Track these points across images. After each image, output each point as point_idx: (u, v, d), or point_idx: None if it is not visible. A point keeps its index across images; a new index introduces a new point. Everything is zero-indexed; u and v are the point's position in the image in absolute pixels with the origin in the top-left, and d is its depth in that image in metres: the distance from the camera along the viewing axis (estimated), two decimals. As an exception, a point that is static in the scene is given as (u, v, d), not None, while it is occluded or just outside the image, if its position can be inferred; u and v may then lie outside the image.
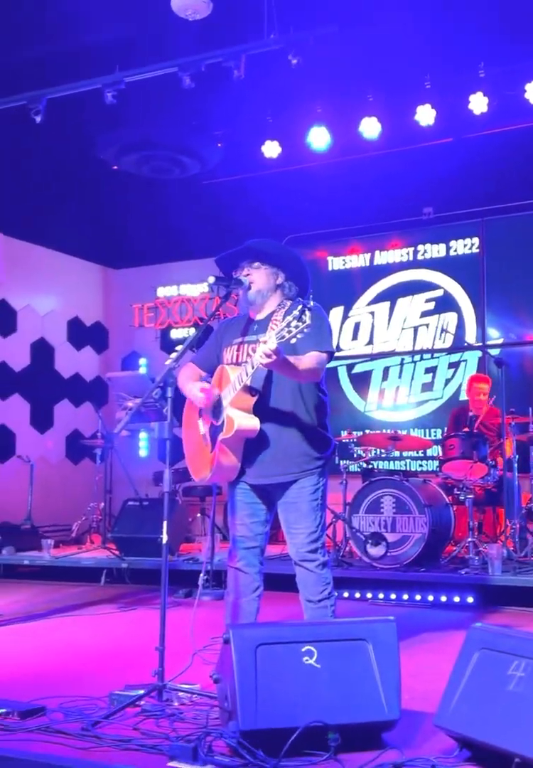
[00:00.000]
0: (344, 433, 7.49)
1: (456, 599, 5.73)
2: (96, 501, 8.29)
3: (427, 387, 8.58)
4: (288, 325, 3.08)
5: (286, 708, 2.61)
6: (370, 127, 7.55)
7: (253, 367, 3.32)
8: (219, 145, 7.95)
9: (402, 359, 8.73)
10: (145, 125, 7.45)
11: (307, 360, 3.43)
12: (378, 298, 8.86)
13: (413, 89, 7.22)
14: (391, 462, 7.98)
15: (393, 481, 6.30)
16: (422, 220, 8.64)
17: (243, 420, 3.44)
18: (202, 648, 3.94)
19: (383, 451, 7.14)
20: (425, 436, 8.27)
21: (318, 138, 7.74)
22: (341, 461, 7.36)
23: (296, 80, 6.38)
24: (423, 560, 6.08)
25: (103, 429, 8.13)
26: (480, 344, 8.23)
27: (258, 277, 3.63)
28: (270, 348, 3.12)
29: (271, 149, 7.98)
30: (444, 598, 5.77)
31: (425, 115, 7.35)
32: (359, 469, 7.52)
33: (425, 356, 8.63)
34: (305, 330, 3.08)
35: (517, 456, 6.42)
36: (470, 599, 5.70)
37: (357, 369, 8.86)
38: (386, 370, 8.79)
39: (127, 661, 4.15)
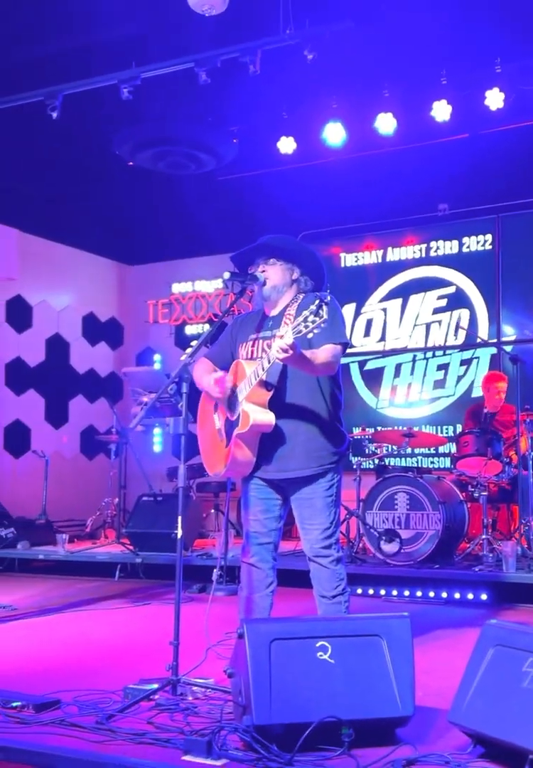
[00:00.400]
0: (357, 430, 7.49)
1: (470, 596, 5.72)
2: (110, 496, 8.32)
3: (439, 384, 8.57)
4: (304, 320, 3.08)
5: (300, 703, 2.61)
6: (386, 123, 7.52)
7: (269, 362, 3.31)
8: (234, 140, 7.94)
9: (415, 356, 8.71)
10: (161, 121, 7.45)
11: (323, 353, 3.43)
12: (391, 295, 8.85)
13: (429, 85, 7.17)
14: (402, 459, 7.95)
15: (407, 478, 6.29)
16: (437, 216, 8.60)
17: (258, 414, 3.44)
18: (215, 643, 3.94)
19: (396, 447, 7.13)
20: (437, 433, 8.25)
21: (334, 134, 7.72)
22: (354, 457, 7.37)
23: (312, 76, 6.37)
24: (436, 557, 6.07)
25: (118, 424, 8.16)
26: (495, 341, 8.19)
27: (273, 273, 3.63)
28: (287, 343, 3.11)
29: (286, 145, 7.97)
30: (457, 595, 5.76)
31: (441, 110, 7.30)
32: (373, 466, 7.50)
33: (437, 353, 8.62)
34: (322, 325, 3.08)
35: (532, 453, 6.39)
36: (484, 596, 5.69)
37: (369, 366, 8.85)
38: (398, 366, 8.78)
39: (140, 655, 4.16)
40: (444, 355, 8.58)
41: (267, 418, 3.47)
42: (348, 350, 3.64)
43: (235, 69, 5.98)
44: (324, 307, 3.06)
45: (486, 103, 7.15)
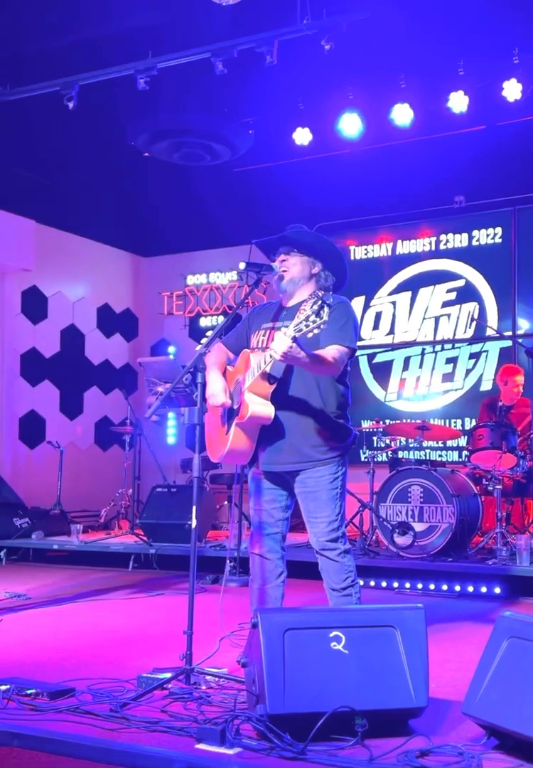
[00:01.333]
0: (370, 423, 7.47)
1: (484, 589, 5.69)
2: (124, 487, 8.34)
3: (448, 377, 8.56)
4: (306, 319, 3.09)
5: (314, 693, 2.61)
6: (402, 114, 7.47)
7: (270, 357, 3.32)
8: (250, 132, 7.93)
9: (423, 349, 8.70)
10: (177, 112, 7.45)
11: (327, 354, 3.43)
12: (400, 288, 8.84)
13: (446, 75, 7.13)
14: (411, 452, 7.92)
15: (421, 471, 6.28)
16: (453, 208, 8.56)
17: (257, 406, 3.45)
18: (229, 633, 3.95)
19: (411, 440, 7.12)
20: (446, 426, 8.23)
21: (350, 125, 7.68)
22: (368, 450, 7.35)
23: (328, 66, 6.35)
24: (450, 550, 6.06)
25: (132, 416, 8.18)
26: (510, 334, 8.15)
27: (292, 265, 3.63)
28: (285, 342, 3.13)
29: (302, 136, 7.94)
30: (471, 589, 5.74)
31: (458, 101, 7.26)
32: (387, 459, 7.49)
33: (446, 346, 8.60)
34: (322, 326, 3.09)
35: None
36: (497, 590, 5.66)
37: (378, 359, 8.84)
38: (407, 359, 8.77)
39: (154, 644, 4.18)
40: (454, 348, 8.57)
41: (267, 411, 3.47)
42: (358, 343, 3.62)
43: (251, 59, 5.98)
44: (326, 309, 3.07)
45: (504, 94, 7.09)
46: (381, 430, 7.27)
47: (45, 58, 6.57)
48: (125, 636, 4.42)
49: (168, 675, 3.18)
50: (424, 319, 8.70)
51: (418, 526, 6.14)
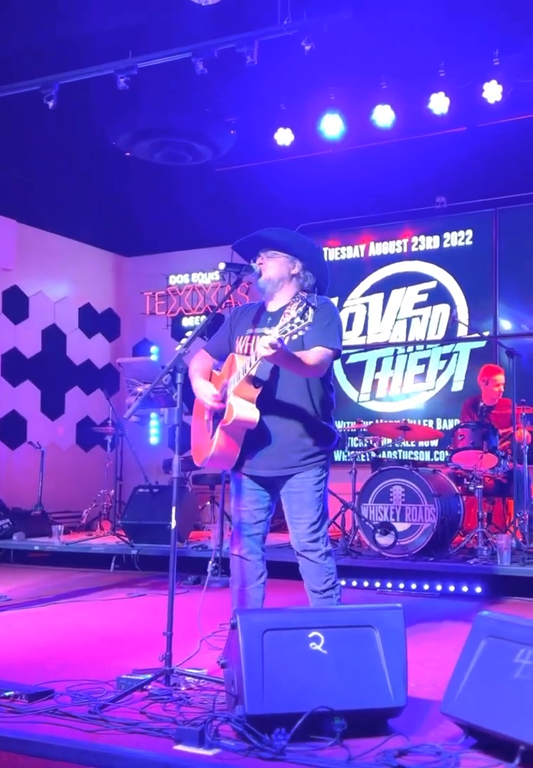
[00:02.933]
0: (352, 423, 7.49)
1: (465, 589, 5.72)
2: (106, 488, 8.32)
3: (420, 378, 8.66)
4: (291, 321, 3.08)
5: (293, 693, 2.62)
6: (384, 115, 7.49)
7: (256, 359, 3.31)
8: (232, 132, 7.92)
9: (396, 350, 8.80)
10: (158, 112, 7.43)
11: (312, 356, 3.42)
12: (373, 290, 8.92)
13: (427, 77, 7.15)
14: (383, 452, 7.94)
15: (402, 471, 6.30)
16: (435, 209, 8.60)
17: (242, 410, 3.44)
18: (209, 634, 3.95)
19: (386, 440, 7.15)
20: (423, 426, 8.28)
21: (331, 125, 7.69)
22: (348, 451, 7.37)
23: (309, 67, 6.35)
24: (431, 550, 6.08)
25: (114, 416, 8.15)
26: (488, 333, 8.20)
27: (271, 265, 3.61)
28: (270, 341, 3.12)
29: (284, 137, 7.94)
30: (452, 588, 5.76)
31: (439, 103, 7.28)
32: (368, 459, 7.51)
33: (418, 347, 8.70)
34: (306, 328, 3.08)
35: (527, 447, 6.40)
36: (478, 589, 5.69)
37: (351, 359, 8.89)
38: (379, 360, 8.85)
39: (134, 646, 4.17)
40: (425, 349, 8.65)
41: (252, 415, 3.46)
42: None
43: (232, 60, 5.97)
44: (310, 311, 3.06)
45: (484, 96, 7.12)
46: (364, 430, 7.28)
47: (24, 57, 6.53)
48: (106, 637, 4.40)
49: (148, 676, 3.17)
50: (396, 320, 8.81)
51: (400, 526, 6.17)
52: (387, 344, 8.79)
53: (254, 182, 8.39)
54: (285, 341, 3.17)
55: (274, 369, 3.50)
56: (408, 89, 7.34)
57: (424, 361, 8.66)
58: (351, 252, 9.05)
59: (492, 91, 7.09)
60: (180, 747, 2.53)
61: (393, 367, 8.78)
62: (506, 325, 8.35)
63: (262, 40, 5.85)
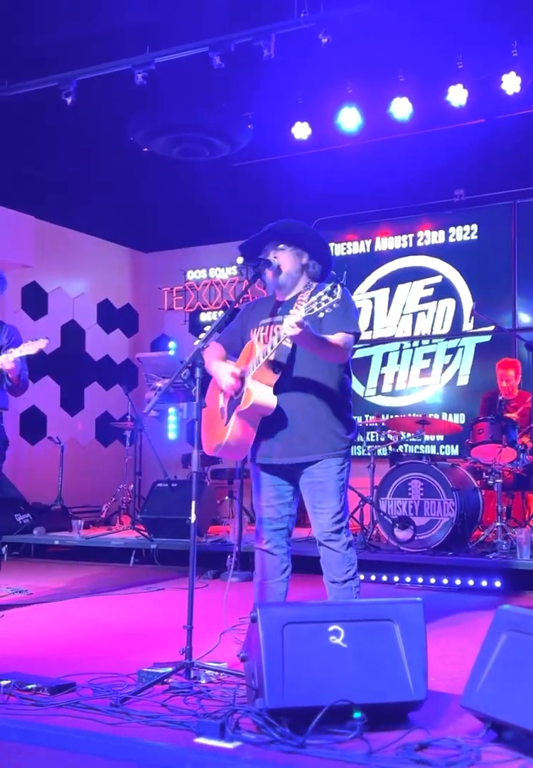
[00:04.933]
0: (371, 418, 7.48)
1: (484, 583, 5.71)
2: (125, 482, 8.36)
3: (425, 373, 8.66)
4: (318, 299, 3.07)
5: (313, 687, 2.62)
6: (401, 108, 7.46)
7: (278, 340, 3.30)
8: (249, 126, 7.91)
9: (402, 345, 8.82)
10: (176, 107, 7.44)
11: (335, 340, 3.42)
12: (379, 285, 8.92)
13: (445, 69, 7.10)
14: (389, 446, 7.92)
15: (421, 465, 6.28)
16: (453, 202, 8.56)
17: (260, 395, 3.43)
18: (229, 628, 3.96)
19: (412, 434, 7.12)
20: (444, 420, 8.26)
21: (349, 119, 7.67)
22: (367, 445, 7.36)
23: (326, 60, 6.33)
24: (450, 544, 6.06)
25: (133, 411, 8.19)
26: (483, 327, 8.15)
27: (285, 259, 3.62)
28: (297, 319, 3.10)
29: (301, 130, 7.92)
30: (471, 582, 5.75)
31: (457, 95, 7.24)
32: (387, 453, 7.50)
33: (423, 342, 8.72)
34: (334, 305, 3.06)
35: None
36: (497, 583, 5.67)
37: (357, 354, 8.88)
38: (385, 355, 8.87)
39: (154, 639, 4.19)
40: (431, 344, 8.64)
41: (269, 400, 3.45)
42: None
43: (249, 53, 5.97)
44: (339, 288, 3.05)
45: (503, 88, 7.07)
46: (382, 424, 7.27)
47: (43, 54, 6.56)
48: (126, 631, 4.43)
49: (168, 670, 3.18)
50: (402, 315, 8.81)
51: (419, 521, 6.15)
52: (393, 339, 8.81)
53: (271, 177, 8.38)
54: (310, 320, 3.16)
55: (292, 354, 3.49)
56: (426, 82, 7.29)
57: (430, 356, 8.68)
58: (357, 247, 9.05)
59: (511, 83, 7.03)
60: (201, 740, 2.54)
61: (399, 362, 8.81)
62: (525, 318, 8.30)
63: (278, 34, 5.84)
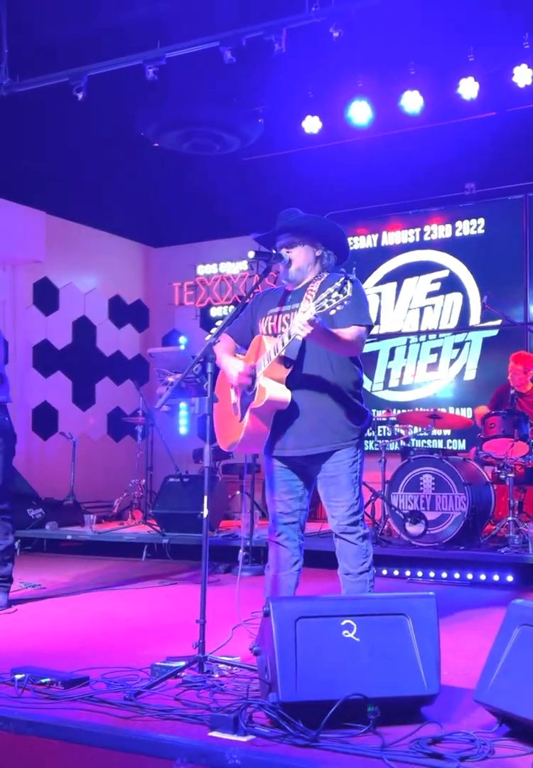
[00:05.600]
0: (381, 412, 7.47)
1: (496, 578, 5.70)
2: (137, 477, 8.38)
3: (432, 367, 8.66)
4: (328, 296, 3.05)
5: (326, 681, 2.62)
6: (412, 101, 7.43)
7: (289, 337, 3.30)
8: (260, 120, 7.91)
9: (408, 339, 8.81)
10: (186, 101, 7.44)
11: (348, 333, 3.42)
12: (386, 279, 8.92)
13: (456, 62, 7.07)
14: (396, 442, 7.91)
15: (432, 460, 6.27)
16: (464, 195, 8.53)
17: (274, 391, 3.44)
18: (241, 622, 3.97)
19: (423, 429, 7.11)
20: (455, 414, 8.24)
21: (360, 112, 7.65)
22: (379, 439, 7.35)
23: (337, 54, 6.31)
24: (462, 539, 6.05)
25: (144, 406, 8.20)
26: (493, 321, 8.11)
27: (297, 253, 3.61)
28: (308, 317, 3.10)
29: (312, 124, 7.91)
30: (483, 577, 5.74)
31: (468, 88, 7.21)
32: (398, 448, 7.49)
33: (430, 336, 8.70)
34: (345, 302, 3.05)
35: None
36: (509, 578, 5.66)
37: (364, 349, 8.83)
38: (392, 350, 8.87)
39: (167, 634, 4.20)
40: (438, 338, 8.62)
41: (283, 395, 3.46)
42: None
43: (260, 48, 5.95)
44: (349, 284, 3.03)
45: (514, 80, 7.04)
46: (393, 418, 7.26)
47: (53, 50, 6.57)
48: (138, 625, 4.44)
49: (181, 663, 3.19)
50: (409, 309, 8.81)
51: (430, 515, 6.14)
52: (399, 334, 8.80)
53: (282, 171, 8.37)
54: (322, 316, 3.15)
55: (302, 347, 3.49)
56: (437, 74, 7.26)
57: (437, 350, 8.67)
58: (364, 241, 9.04)
59: (523, 75, 7.00)
60: (214, 733, 2.55)
61: (405, 357, 8.81)
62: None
63: (289, 28, 5.82)
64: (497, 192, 8.35)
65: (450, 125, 7.74)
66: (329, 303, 3.05)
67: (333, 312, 3.09)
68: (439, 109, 7.53)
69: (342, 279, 3.05)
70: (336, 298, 3.04)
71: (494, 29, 6.64)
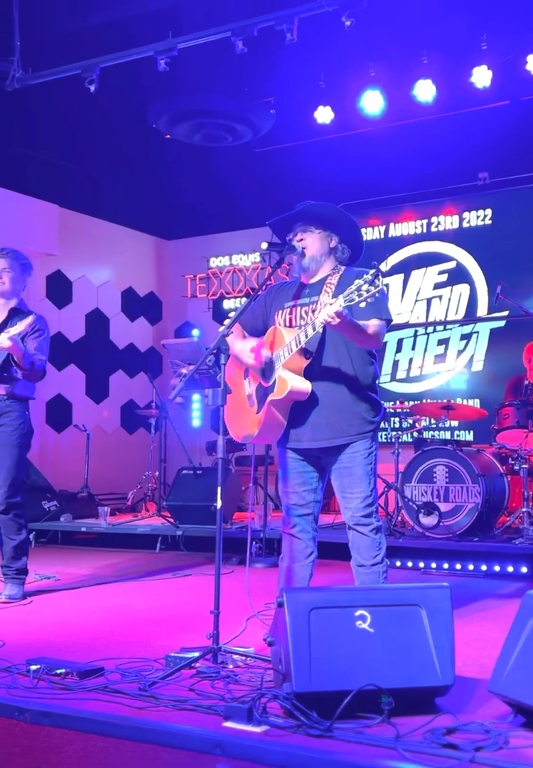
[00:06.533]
0: (395, 404, 7.46)
1: (510, 569, 5.67)
2: (151, 470, 8.40)
3: (440, 359, 8.64)
4: (358, 289, 3.07)
5: (340, 671, 2.62)
6: (425, 90, 7.39)
7: (313, 329, 3.31)
8: (272, 111, 7.88)
9: (416, 331, 8.79)
10: (198, 92, 7.43)
11: (371, 327, 3.43)
12: (393, 271, 8.87)
13: (469, 50, 7.04)
14: (409, 433, 7.88)
15: (446, 451, 6.25)
16: (477, 185, 8.47)
17: (295, 382, 3.45)
18: (255, 613, 3.98)
19: (437, 421, 7.08)
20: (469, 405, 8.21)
21: (372, 102, 7.62)
22: (392, 431, 7.35)
23: (349, 43, 6.30)
24: (476, 530, 6.03)
25: (157, 399, 8.22)
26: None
27: (311, 242, 3.60)
28: (336, 309, 3.11)
29: (324, 115, 7.89)
30: (497, 568, 5.72)
31: (481, 76, 7.16)
32: (411, 439, 7.47)
33: (438, 328, 8.68)
34: (377, 295, 3.06)
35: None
36: (523, 569, 5.64)
37: None
38: (400, 341, 8.84)
39: (181, 625, 4.21)
40: (445, 329, 8.61)
41: (304, 386, 3.47)
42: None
43: (271, 37, 5.94)
44: (380, 279, 3.04)
45: (528, 68, 7.00)
46: (406, 410, 7.24)
47: (65, 41, 6.58)
48: (153, 616, 4.45)
49: (195, 654, 3.20)
50: (416, 301, 8.78)
51: (444, 506, 6.12)
52: (407, 325, 8.79)
53: (294, 162, 8.35)
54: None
55: (321, 339, 3.49)
56: (450, 63, 7.22)
57: (444, 342, 8.65)
58: (371, 233, 9.01)
59: (536, 63, 6.95)
60: (229, 723, 2.55)
61: (413, 348, 8.79)
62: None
63: (301, 17, 5.80)
64: (511, 181, 8.29)
65: (463, 114, 7.70)
66: (359, 295, 3.07)
67: (363, 304, 3.10)
68: (452, 98, 7.49)
69: (373, 271, 3.06)
70: (368, 291, 3.06)
71: (507, 16, 6.59)
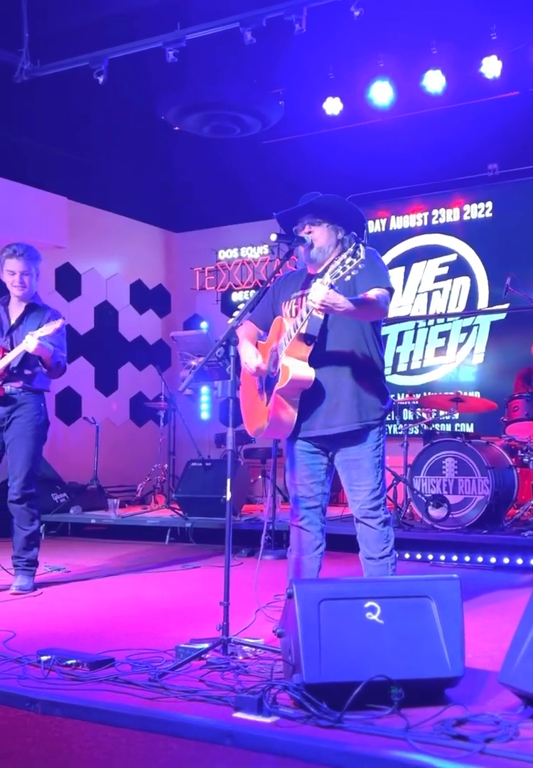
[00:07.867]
0: (404, 396, 7.45)
1: (519, 561, 5.66)
2: (160, 462, 8.42)
3: (441, 351, 8.63)
4: (342, 263, 3.04)
5: (350, 662, 2.62)
6: (434, 81, 7.36)
7: (307, 312, 3.29)
8: (280, 102, 7.86)
9: (416, 324, 8.78)
10: (207, 84, 7.41)
11: (371, 295, 3.38)
12: (394, 264, 8.85)
13: (478, 40, 7.00)
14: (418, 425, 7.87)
15: (455, 443, 6.24)
16: (487, 176, 8.43)
17: (298, 369, 3.42)
18: (264, 604, 3.98)
19: (446, 413, 7.07)
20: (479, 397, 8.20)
21: (381, 93, 7.59)
22: (400, 423, 7.34)
23: (358, 33, 6.27)
24: (485, 522, 6.02)
25: (166, 391, 8.22)
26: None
27: (320, 234, 3.59)
28: (324, 291, 3.09)
29: (333, 106, 7.86)
30: (506, 560, 5.71)
31: (491, 66, 7.13)
32: (420, 431, 7.46)
33: (438, 321, 8.67)
34: (359, 266, 3.03)
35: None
36: (533, 561, 5.64)
37: None
38: (401, 334, 8.84)
39: (191, 616, 4.22)
40: (446, 322, 8.60)
41: (307, 373, 3.44)
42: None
43: (280, 28, 5.92)
44: (362, 248, 3.02)
45: (538, 58, 6.95)
46: (415, 402, 7.22)
47: (74, 33, 6.57)
48: (162, 608, 4.47)
49: (205, 645, 3.21)
50: (417, 293, 8.77)
51: (453, 499, 6.12)
52: (408, 318, 8.78)
53: (303, 153, 8.32)
54: (337, 284, 3.13)
55: (324, 324, 3.47)
56: (460, 53, 7.19)
57: (445, 335, 8.64)
58: (371, 226, 8.99)
59: (547, 53, 6.91)
60: (239, 714, 2.56)
61: (414, 341, 8.79)
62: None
63: (310, 7, 5.78)
64: (513, 174, 8.24)
65: (472, 105, 7.66)
66: (343, 269, 3.04)
67: (348, 277, 3.07)
68: (462, 89, 7.45)
69: (353, 244, 3.03)
70: (350, 263, 3.03)
71: (518, 6, 6.55)
